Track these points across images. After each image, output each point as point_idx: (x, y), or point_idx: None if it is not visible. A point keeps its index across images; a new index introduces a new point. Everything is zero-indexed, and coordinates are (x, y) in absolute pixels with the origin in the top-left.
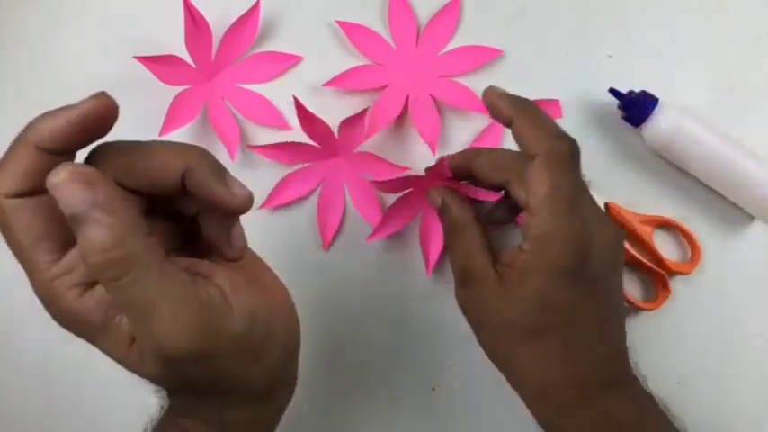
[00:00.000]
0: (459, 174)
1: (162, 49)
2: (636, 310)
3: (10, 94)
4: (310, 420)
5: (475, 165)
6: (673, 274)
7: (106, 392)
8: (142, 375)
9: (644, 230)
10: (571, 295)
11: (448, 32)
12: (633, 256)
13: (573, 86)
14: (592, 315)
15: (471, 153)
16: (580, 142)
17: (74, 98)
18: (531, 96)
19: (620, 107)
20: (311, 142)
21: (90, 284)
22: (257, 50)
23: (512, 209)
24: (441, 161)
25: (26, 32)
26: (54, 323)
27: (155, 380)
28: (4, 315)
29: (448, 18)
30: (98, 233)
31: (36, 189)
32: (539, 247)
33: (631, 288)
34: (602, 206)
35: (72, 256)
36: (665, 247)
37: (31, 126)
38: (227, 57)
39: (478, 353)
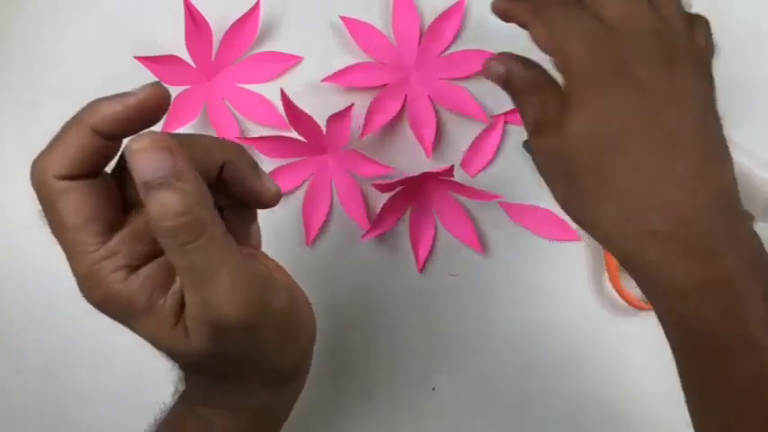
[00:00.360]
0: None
1: (162, 49)
2: (636, 310)
3: (10, 94)
4: (310, 420)
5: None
6: None
7: (106, 393)
8: (185, 353)
9: None
10: (637, 96)
11: (451, 34)
12: None
13: None
14: (681, 107)
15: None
16: None
17: (73, 98)
18: None
19: None
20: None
21: (134, 268)
22: (257, 50)
23: None
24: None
25: (26, 32)
26: (54, 324)
27: (197, 355)
28: (4, 315)
29: (453, 19)
30: (173, 198)
31: (86, 173)
32: (573, 50)
33: (631, 288)
34: None
35: (117, 239)
36: None
37: (88, 108)
38: (227, 57)
39: (479, 353)
